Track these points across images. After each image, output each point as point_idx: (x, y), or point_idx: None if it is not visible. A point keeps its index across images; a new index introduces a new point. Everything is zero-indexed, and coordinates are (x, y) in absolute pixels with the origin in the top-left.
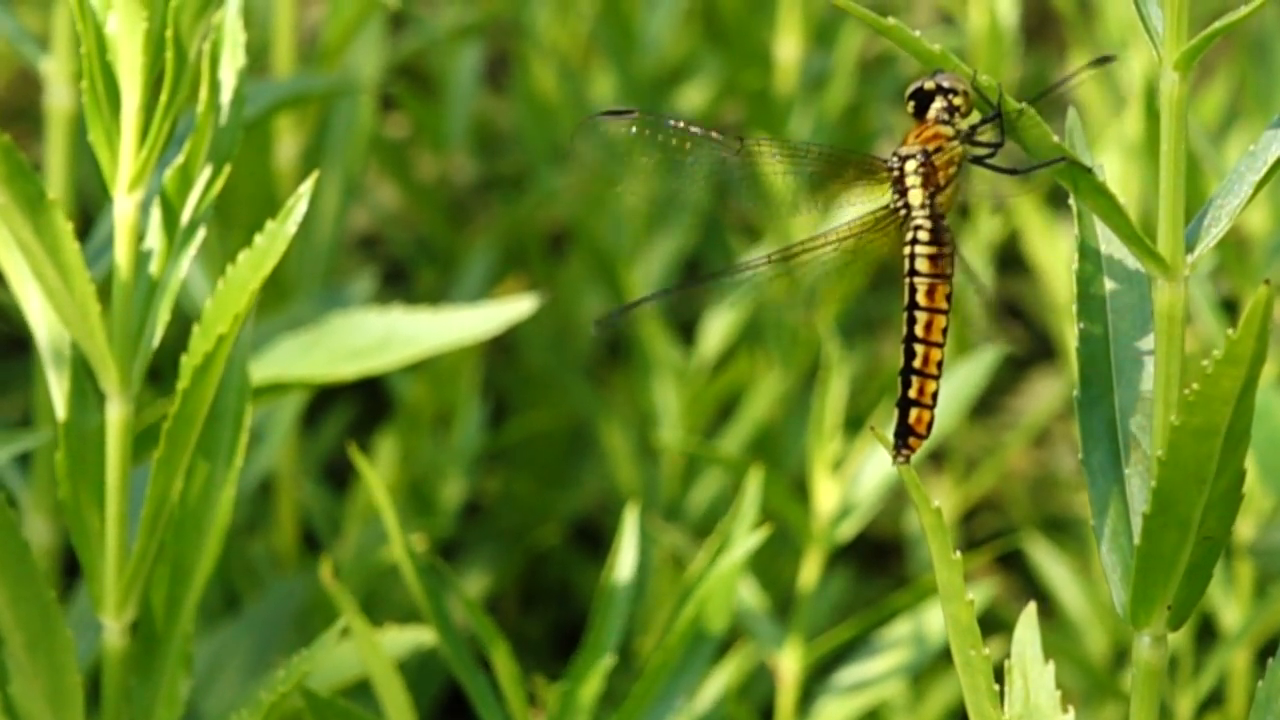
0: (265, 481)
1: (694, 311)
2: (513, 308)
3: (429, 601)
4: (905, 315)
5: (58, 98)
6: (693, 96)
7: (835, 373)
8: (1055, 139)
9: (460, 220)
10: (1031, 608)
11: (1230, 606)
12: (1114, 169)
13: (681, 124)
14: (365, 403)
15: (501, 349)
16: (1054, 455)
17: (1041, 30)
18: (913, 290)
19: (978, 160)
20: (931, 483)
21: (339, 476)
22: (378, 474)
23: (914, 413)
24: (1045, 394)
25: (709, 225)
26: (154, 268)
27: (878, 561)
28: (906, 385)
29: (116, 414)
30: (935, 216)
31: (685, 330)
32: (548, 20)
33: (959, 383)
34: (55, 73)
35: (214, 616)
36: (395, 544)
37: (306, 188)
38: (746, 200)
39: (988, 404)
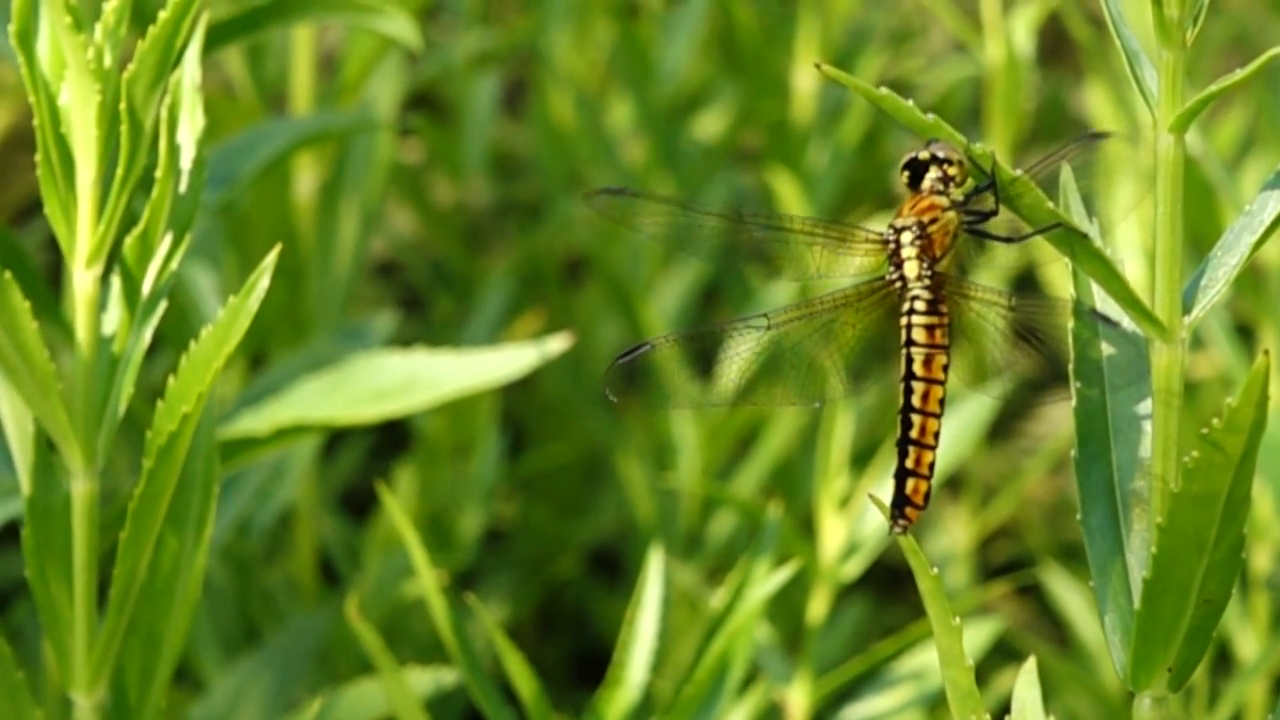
0: (285, 512)
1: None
2: (535, 350)
3: (455, 638)
4: (902, 385)
5: None
6: (710, 124)
7: (840, 411)
8: (1050, 205)
9: (477, 245)
10: (1031, 663)
11: (1247, 637)
12: (1127, 199)
13: (676, 204)
14: (383, 433)
15: (519, 379)
16: (1071, 481)
17: (1057, 52)
18: (909, 360)
19: (973, 228)
20: (948, 510)
21: (357, 505)
22: (397, 505)
23: (911, 483)
24: (1062, 419)
25: (726, 254)
26: (115, 342)
27: (895, 588)
28: (904, 455)
29: (82, 490)
30: (933, 287)
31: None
32: (565, 48)
33: (973, 413)
34: None
35: (234, 649)
36: (423, 579)
37: (269, 261)
38: (747, 264)
39: (1004, 429)
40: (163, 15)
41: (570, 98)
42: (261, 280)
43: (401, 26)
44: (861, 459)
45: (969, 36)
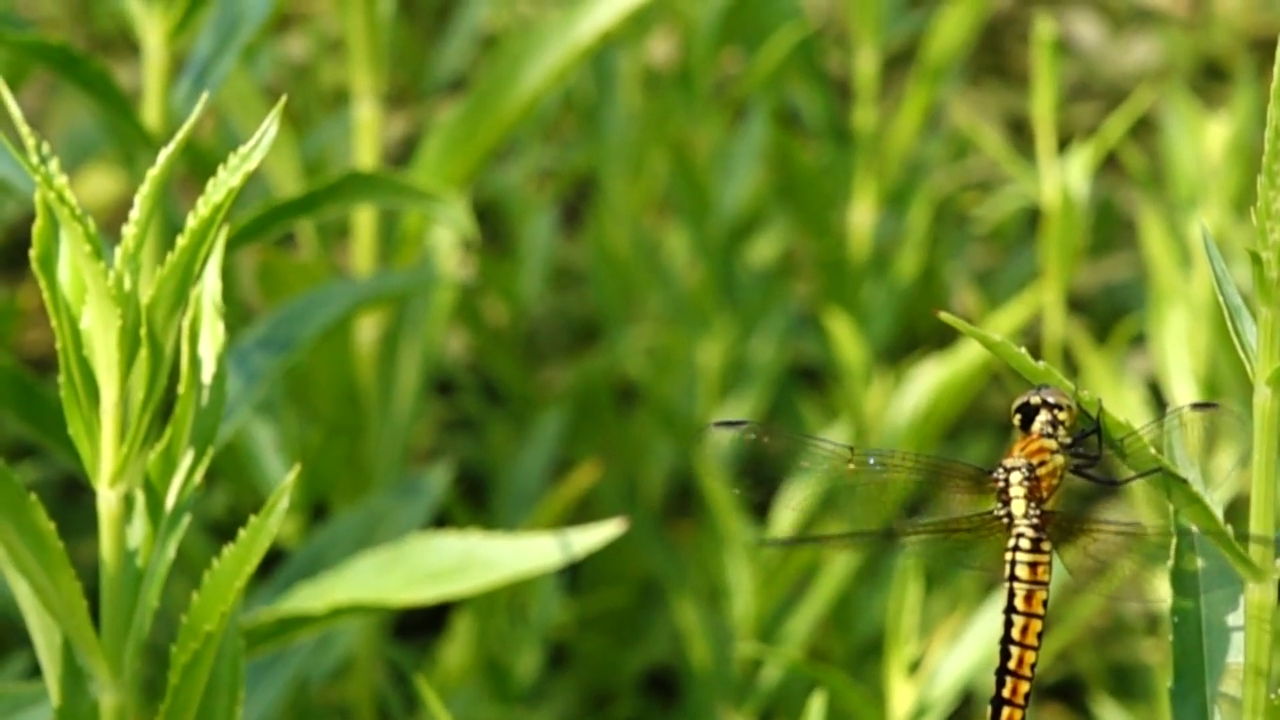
0: (344, 661)
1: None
2: (590, 536)
3: None
4: (1003, 618)
5: None
6: (764, 247)
7: (911, 576)
8: (1152, 451)
9: (532, 362)
10: None
11: None
12: (1180, 326)
13: (793, 436)
14: None
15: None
16: (1123, 605)
17: (1109, 169)
18: (1012, 594)
19: (1078, 470)
20: None
21: (417, 626)
22: (455, 652)
23: (1006, 712)
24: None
25: (782, 390)
26: (140, 557)
27: None
28: (1000, 685)
29: (110, 701)
30: (1038, 526)
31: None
32: (621, 174)
33: None
34: None
35: None
36: None
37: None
38: (857, 507)
39: None
40: (180, 242)
41: (626, 224)
42: (282, 500)
43: (457, 213)
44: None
45: (1026, 180)
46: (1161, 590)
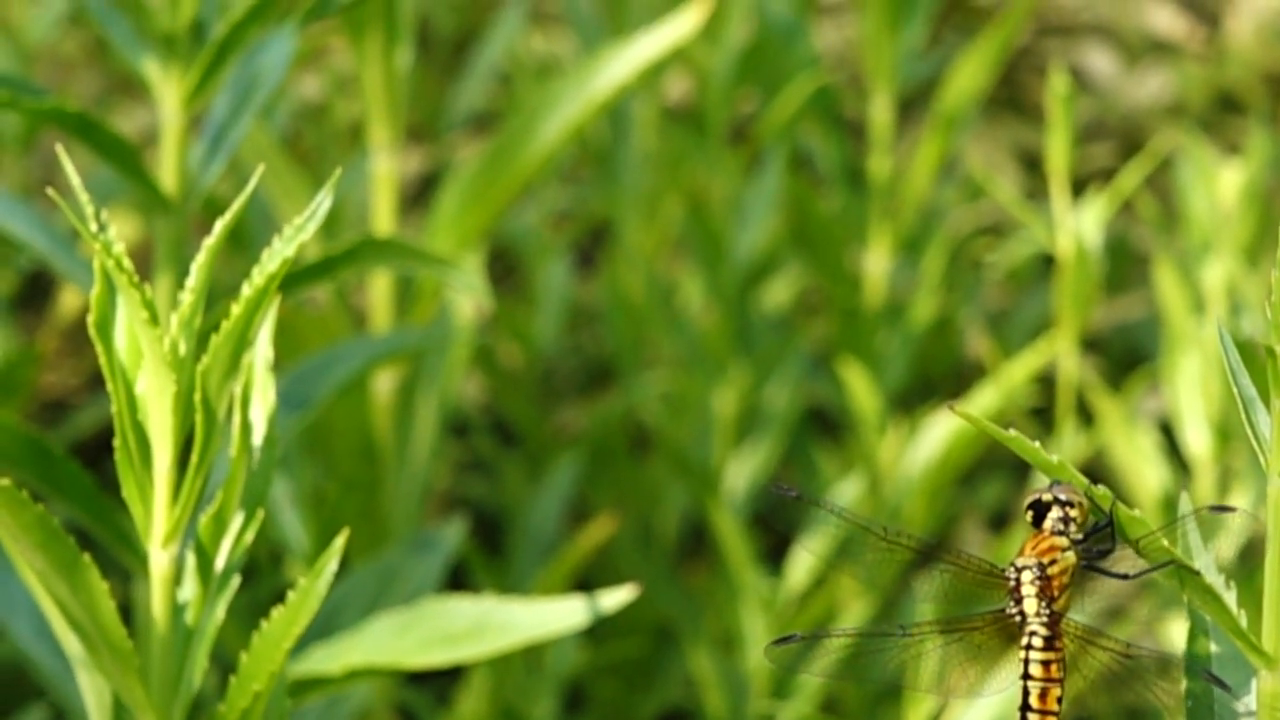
0: (361, 710)
1: (784, 526)
2: (605, 599)
3: None
4: (1019, 715)
5: None
6: (778, 292)
7: (932, 648)
8: (1164, 543)
9: (547, 395)
10: None
11: None
12: (1193, 371)
13: (841, 517)
14: None
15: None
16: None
17: (1123, 208)
18: (1026, 693)
19: (1090, 565)
20: None
21: (434, 684)
22: (471, 699)
23: None
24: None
25: (796, 439)
26: (190, 616)
27: None
28: None
29: None
30: (1050, 624)
31: (771, 536)
32: (636, 219)
33: None
34: None
35: None
36: None
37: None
38: (868, 554)
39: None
40: (235, 310)
41: (640, 268)
42: (331, 562)
43: (471, 279)
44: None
45: (1040, 229)
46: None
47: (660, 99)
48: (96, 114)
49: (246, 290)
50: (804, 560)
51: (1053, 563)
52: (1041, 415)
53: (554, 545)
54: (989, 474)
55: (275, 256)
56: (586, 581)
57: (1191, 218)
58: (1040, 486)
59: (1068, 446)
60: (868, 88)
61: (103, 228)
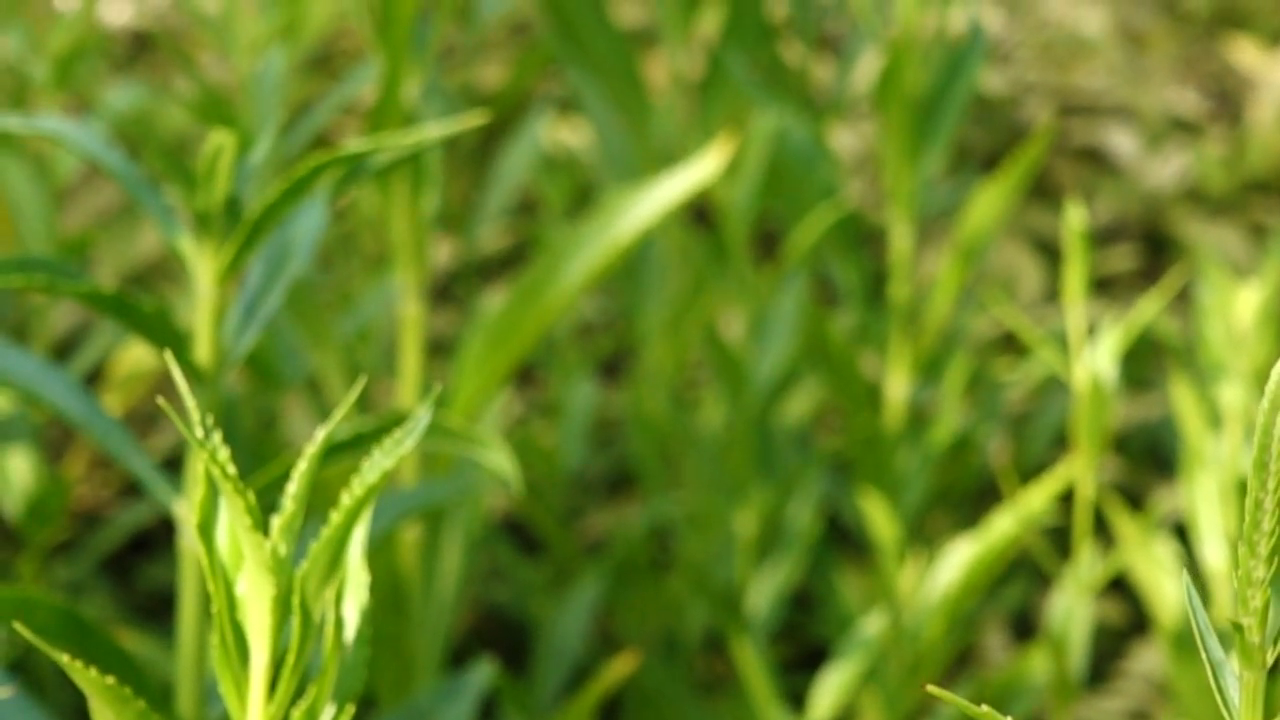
0: None
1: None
2: None
3: None
4: None
5: (189, 539)
6: (798, 405)
7: None
8: None
9: (570, 499)
10: None
11: None
12: (1210, 488)
13: None
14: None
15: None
16: None
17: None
18: None
19: None
20: None
21: None
22: None
23: None
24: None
25: (817, 559)
26: None
27: None
28: None
29: None
30: None
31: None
32: (658, 341)
33: None
34: (187, 516)
35: None
36: None
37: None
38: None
39: (1101, 671)
40: (334, 519)
41: (663, 388)
42: None
43: (501, 461)
44: None
45: (1056, 361)
46: None
47: (683, 210)
48: (131, 295)
49: (345, 500)
50: (830, 687)
51: None
52: (1059, 534)
53: (580, 663)
54: (1010, 576)
55: (375, 468)
56: (612, 702)
57: (1208, 340)
58: None
59: (1086, 568)
60: (887, 215)
61: (208, 434)
